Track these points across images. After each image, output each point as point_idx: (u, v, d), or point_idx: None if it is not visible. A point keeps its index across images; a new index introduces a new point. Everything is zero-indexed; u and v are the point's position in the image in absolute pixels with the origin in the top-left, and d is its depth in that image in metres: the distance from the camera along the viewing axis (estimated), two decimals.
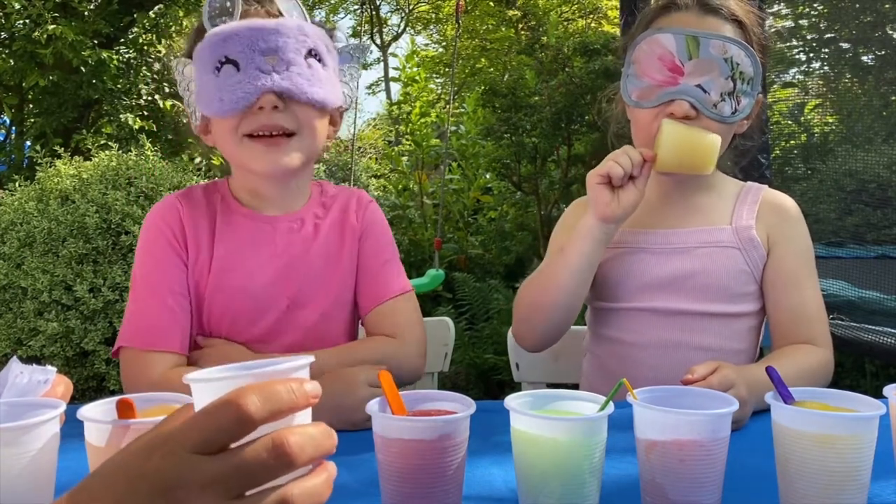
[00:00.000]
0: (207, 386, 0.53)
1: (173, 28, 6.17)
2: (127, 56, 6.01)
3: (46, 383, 0.86)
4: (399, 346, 1.24)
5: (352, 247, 1.31)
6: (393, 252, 1.34)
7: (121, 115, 5.77)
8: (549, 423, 0.75)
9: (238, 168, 1.28)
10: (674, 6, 1.28)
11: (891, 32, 2.76)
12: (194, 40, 1.22)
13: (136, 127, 5.69)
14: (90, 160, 3.56)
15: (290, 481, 0.50)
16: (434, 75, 8.63)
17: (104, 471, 0.49)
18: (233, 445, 0.48)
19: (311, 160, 1.26)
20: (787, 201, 1.35)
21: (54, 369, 0.88)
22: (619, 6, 3.03)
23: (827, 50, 2.99)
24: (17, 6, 5.35)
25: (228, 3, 1.18)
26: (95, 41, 5.56)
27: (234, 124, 1.18)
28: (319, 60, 1.20)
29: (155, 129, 5.89)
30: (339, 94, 1.24)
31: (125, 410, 0.73)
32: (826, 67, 3.01)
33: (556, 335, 1.35)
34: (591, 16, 8.30)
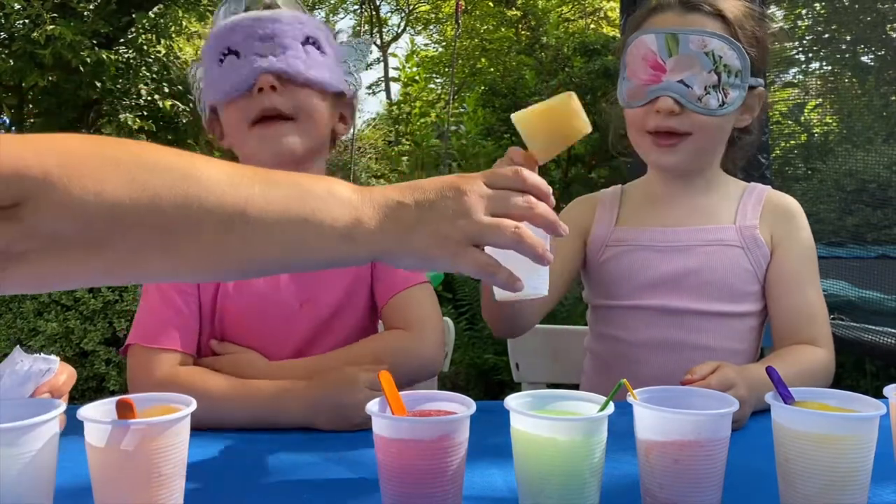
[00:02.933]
0: None
1: (172, 28, 6.16)
2: (126, 56, 6.01)
3: (49, 372, 0.86)
4: (412, 339, 1.21)
5: None
6: None
7: (120, 116, 5.77)
8: (548, 423, 0.75)
9: (249, 163, 1.29)
10: (658, 8, 1.30)
11: (891, 32, 2.76)
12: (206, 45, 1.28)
13: (136, 127, 5.68)
14: None
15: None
16: (434, 75, 8.61)
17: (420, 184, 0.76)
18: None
19: (315, 148, 1.26)
20: (791, 202, 1.35)
21: (57, 359, 0.88)
22: (619, 6, 3.03)
23: (826, 50, 2.98)
24: (16, 6, 5.35)
25: (234, 5, 1.25)
26: (94, 41, 5.55)
27: (241, 115, 1.22)
28: (318, 48, 1.24)
29: (154, 129, 5.88)
30: (339, 79, 1.27)
31: (125, 411, 0.73)
32: (826, 67, 3.01)
33: (525, 321, 1.30)
34: (591, 16, 8.30)
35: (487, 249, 0.76)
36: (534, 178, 0.78)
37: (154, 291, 1.23)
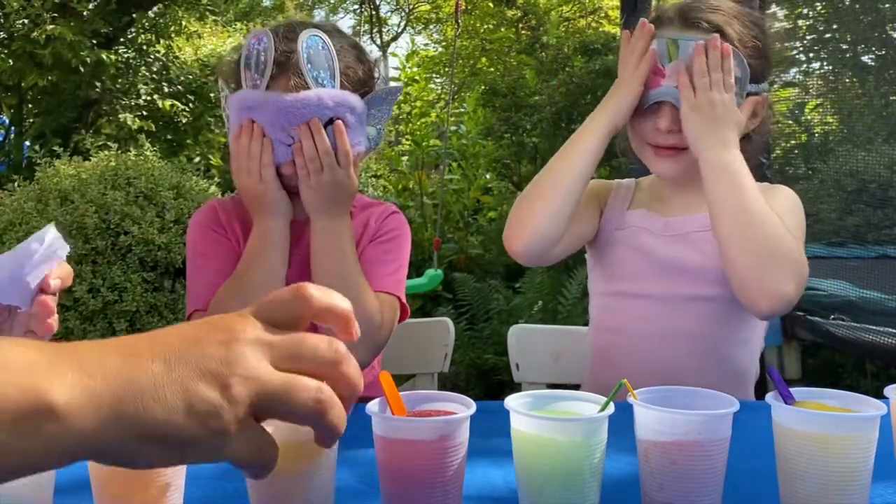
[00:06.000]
0: None
1: (172, 28, 6.15)
2: (126, 56, 6.00)
3: (60, 258, 0.83)
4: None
5: (364, 249, 1.33)
6: (395, 258, 1.33)
7: (120, 115, 5.76)
8: (549, 423, 0.75)
9: None
10: (658, 21, 1.32)
11: (891, 32, 2.76)
12: (235, 71, 1.28)
13: (135, 127, 5.67)
14: (89, 160, 3.56)
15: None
16: (434, 75, 8.61)
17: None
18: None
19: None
20: (784, 188, 1.37)
21: (68, 248, 0.85)
22: (619, 6, 3.03)
23: (827, 50, 2.99)
24: (15, 6, 5.34)
25: (262, 59, 1.22)
26: (94, 41, 5.54)
27: None
28: (342, 122, 1.24)
29: (154, 129, 5.87)
30: (362, 143, 1.27)
31: None
32: (827, 67, 3.01)
33: (547, 231, 1.28)
34: (592, 16, 8.30)
35: None
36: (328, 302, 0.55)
37: (198, 259, 1.32)
